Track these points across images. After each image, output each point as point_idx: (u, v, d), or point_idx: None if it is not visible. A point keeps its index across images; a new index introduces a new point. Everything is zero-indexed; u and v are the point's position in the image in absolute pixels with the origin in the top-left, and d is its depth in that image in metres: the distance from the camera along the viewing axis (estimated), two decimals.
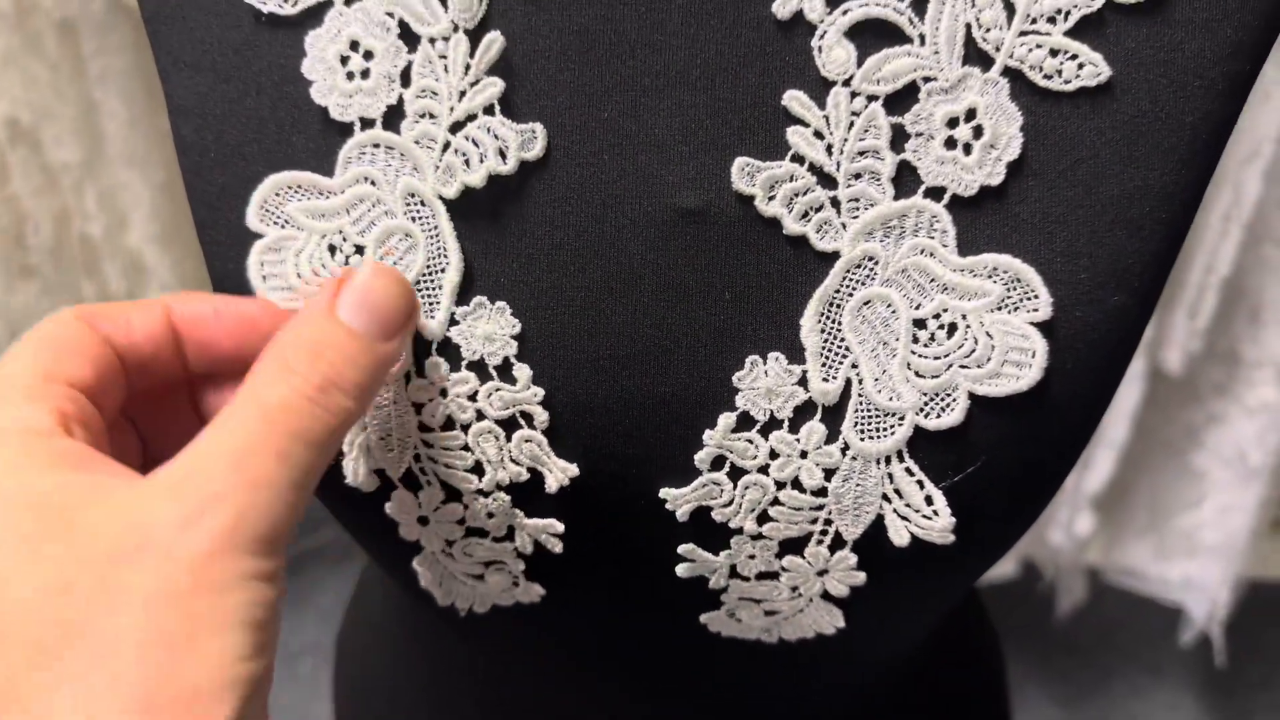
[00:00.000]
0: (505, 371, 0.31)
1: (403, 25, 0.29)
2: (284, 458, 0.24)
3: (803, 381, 0.29)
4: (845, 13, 0.28)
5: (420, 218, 0.30)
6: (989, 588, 1.53)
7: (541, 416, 0.31)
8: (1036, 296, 0.28)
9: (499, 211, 0.30)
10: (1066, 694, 1.63)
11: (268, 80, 0.31)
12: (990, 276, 0.28)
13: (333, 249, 0.31)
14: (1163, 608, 1.61)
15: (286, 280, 0.31)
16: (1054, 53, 0.28)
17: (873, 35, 0.28)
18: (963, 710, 0.49)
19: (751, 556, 0.32)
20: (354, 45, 0.30)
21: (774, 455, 0.30)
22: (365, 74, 0.30)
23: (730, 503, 0.31)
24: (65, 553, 0.22)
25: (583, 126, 0.29)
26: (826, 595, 0.33)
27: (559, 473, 0.31)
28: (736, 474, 0.30)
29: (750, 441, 0.30)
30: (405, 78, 0.30)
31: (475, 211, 0.30)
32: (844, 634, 0.34)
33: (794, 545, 0.31)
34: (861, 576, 0.31)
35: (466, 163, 0.30)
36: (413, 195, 0.30)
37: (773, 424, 0.30)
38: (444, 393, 0.31)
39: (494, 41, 0.29)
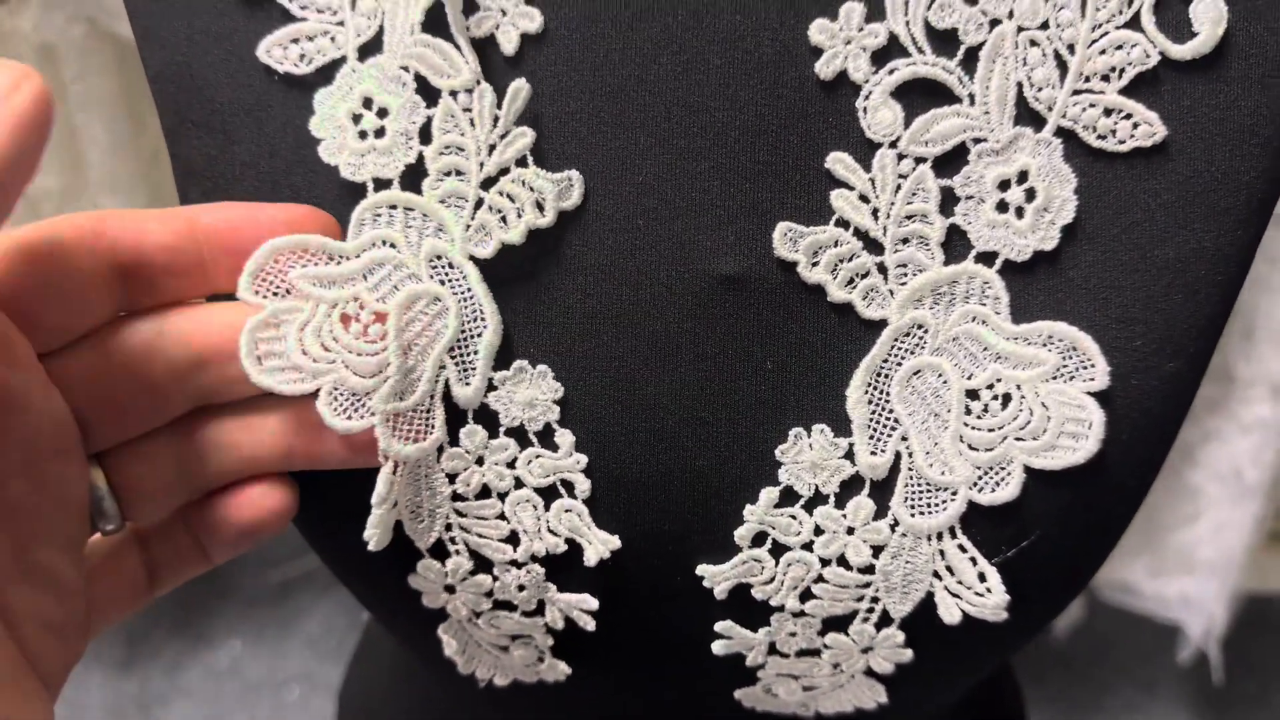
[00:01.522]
0: (546, 438, 0.29)
1: (419, 79, 0.28)
2: None
3: (849, 455, 0.28)
4: (891, 72, 0.27)
5: (450, 280, 0.29)
6: None
7: (583, 485, 0.29)
8: (1093, 365, 0.27)
9: (534, 272, 0.29)
10: (1064, 711, 1.62)
11: (282, 143, 0.29)
12: (1045, 345, 0.27)
13: (346, 318, 0.29)
14: (1159, 625, 1.61)
15: (289, 358, 0.29)
16: (1108, 112, 0.27)
17: (920, 95, 0.27)
18: None
19: (793, 634, 0.30)
20: (367, 102, 0.28)
21: (819, 531, 0.29)
22: (380, 132, 0.28)
23: (771, 580, 0.29)
24: None
25: (618, 190, 0.28)
26: (870, 671, 0.31)
27: (600, 545, 0.29)
28: (779, 550, 0.29)
29: (794, 517, 0.29)
30: (425, 134, 0.28)
31: (508, 274, 0.29)
32: (884, 708, 0.33)
33: (838, 623, 0.30)
34: (908, 654, 0.30)
35: (503, 219, 0.28)
36: (439, 257, 0.28)
37: (818, 499, 0.28)
38: (480, 461, 0.29)
39: (521, 89, 0.28)
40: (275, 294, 0.28)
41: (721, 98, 0.27)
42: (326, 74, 0.29)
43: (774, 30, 0.27)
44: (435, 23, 0.28)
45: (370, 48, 0.28)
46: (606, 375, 0.29)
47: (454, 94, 0.28)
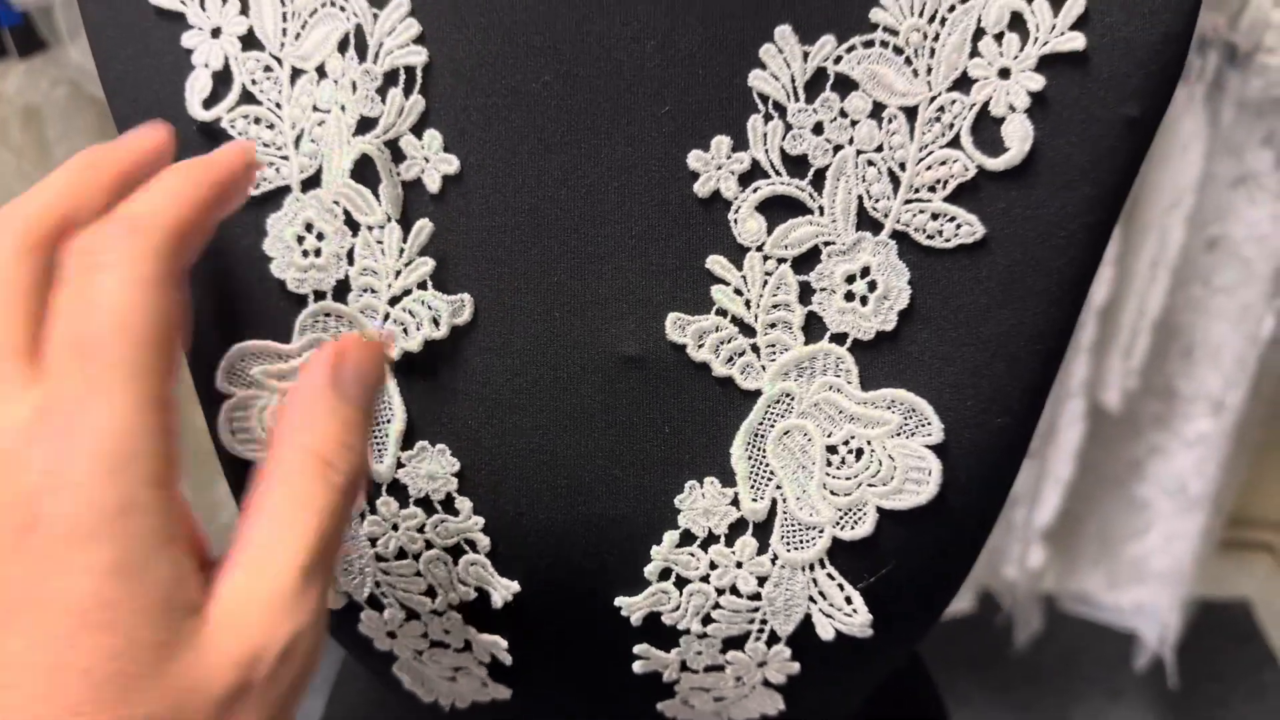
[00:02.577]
0: (449, 505, 0.35)
1: (347, 213, 0.34)
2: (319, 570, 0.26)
3: (735, 502, 0.34)
4: (755, 190, 0.33)
5: None
6: (949, 622, 1.58)
7: (484, 542, 0.35)
8: (929, 424, 0.33)
9: (437, 369, 0.34)
10: None
11: (238, 256, 0.35)
12: (889, 408, 0.33)
13: None
14: (1118, 633, 1.67)
15: (253, 434, 0.35)
16: (935, 216, 0.33)
17: (780, 208, 0.33)
18: None
19: (699, 653, 0.36)
20: (309, 227, 0.34)
21: (714, 566, 0.34)
22: (318, 252, 0.34)
23: (678, 608, 0.35)
24: None
25: (538, 289, 0.34)
26: (767, 682, 0.37)
27: (503, 590, 0.35)
28: (682, 583, 0.35)
29: (692, 555, 0.34)
30: (350, 257, 0.34)
31: (417, 370, 0.35)
32: (785, 715, 0.38)
33: (735, 642, 0.35)
34: (796, 666, 0.36)
35: (406, 331, 0.34)
36: None
37: (711, 539, 0.34)
38: (395, 527, 0.35)
39: (424, 228, 0.34)
40: (244, 385, 0.34)
41: (619, 213, 0.33)
42: (272, 198, 0.34)
43: (659, 159, 0.33)
44: (368, 164, 0.34)
45: (310, 182, 0.34)
46: (530, 440, 0.34)
47: (370, 228, 0.34)
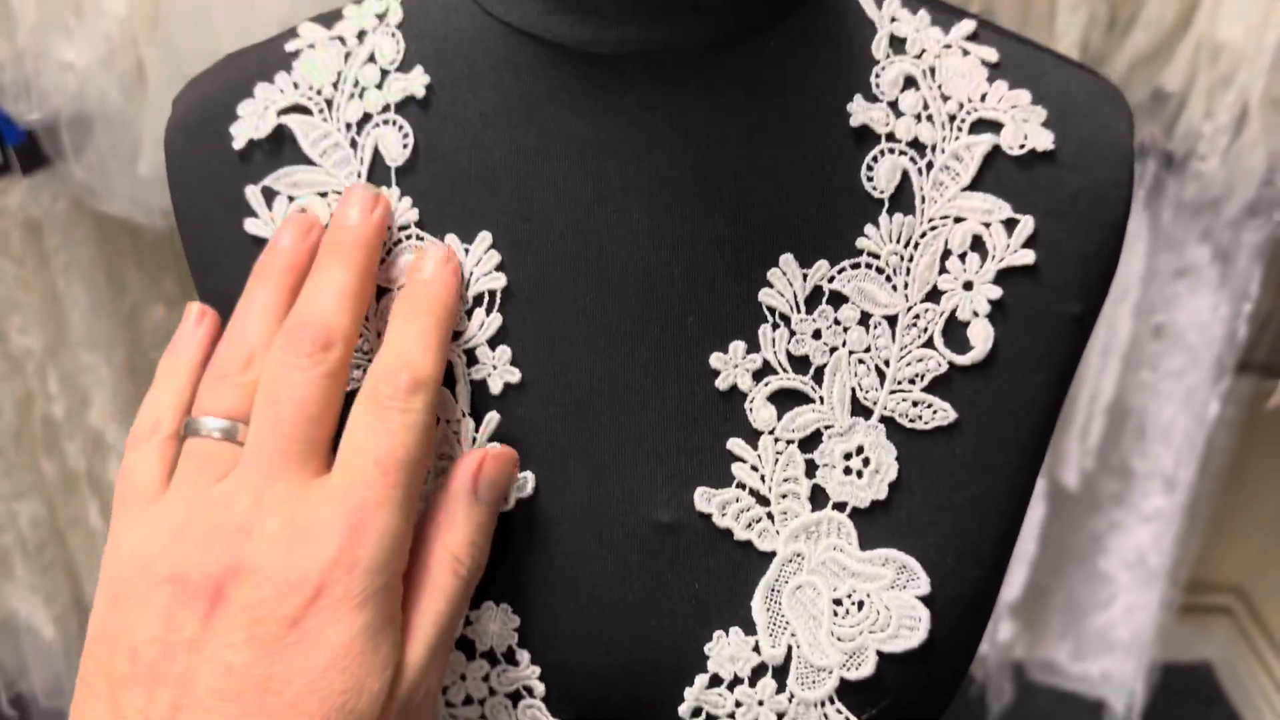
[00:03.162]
0: (510, 657, 0.40)
1: None
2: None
3: (756, 648, 0.40)
4: (766, 384, 0.40)
5: None
6: None
7: (540, 688, 0.40)
8: (919, 578, 0.39)
9: (502, 537, 0.40)
10: None
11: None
12: (885, 565, 0.40)
13: None
14: (1086, 702, 1.72)
15: None
16: (915, 404, 0.40)
17: (787, 399, 0.40)
18: None
19: None
20: None
21: (739, 704, 0.40)
22: None
23: None
24: None
25: (586, 468, 0.40)
26: None
27: None
28: (711, 719, 0.40)
29: (720, 695, 0.40)
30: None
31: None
32: None
33: None
34: None
35: None
36: None
37: (736, 681, 0.40)
38: (463, 677, 0.41)
39: (492, 419, 0.40)
40: None
41: (654, 404, 0.40)
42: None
43: (687, 360, 0.40)
44: (446, 371, 0.40)
45: None
46: (579, 596, 0.40)
47: (449, 422, 0.40)
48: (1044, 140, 0.40)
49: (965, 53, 0.41)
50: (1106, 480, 1.54)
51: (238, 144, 0.41)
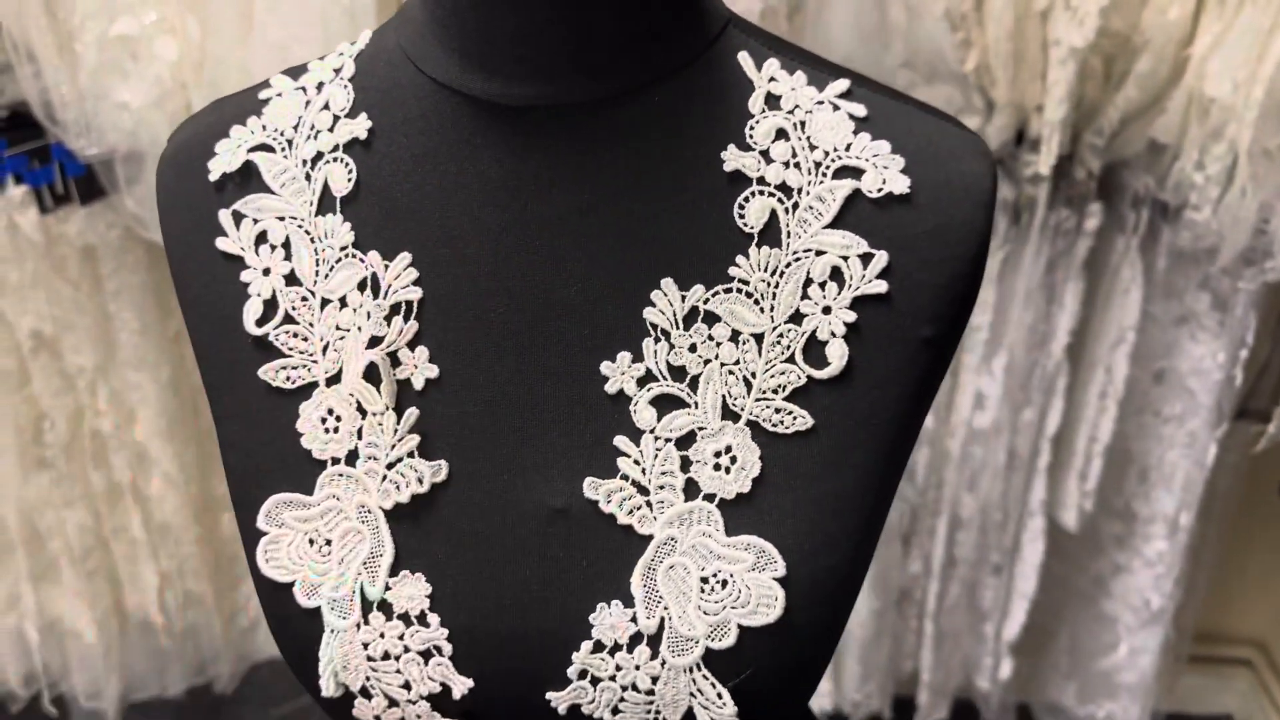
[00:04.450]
0: (423, 619, 0.47)
1: (358, 402, 0.47)
2: None
3: (634, 619, 0.46)
4: (649, 390, 0.46)
5: (367, 521, 0.47)
6: None
7: (447, 648, 0.47)
8: (776, 562, 0.45)
9: (419, 516, 0.47)
10: None
11: (279, 430, 0.48)
12: (746, 549, 0.45)
13: (311, 541, 0.47)
14: None
15: (281, 562, 0.47)
16: (777, 410, 0.46)
17: (666, 403, 0.46)
18: None
19: None
20: (330, 411, 0.47)
21: (618, 668, 0.46)
22: (336, 430, 0.47)
23: (593, 701, 0.46)
24: None
25: (492, 458, 0.47)
26: None
27: (461, 685, 0.47)
28: (595, 681, 0.46)
29: (603, 660, 0.46)
30: (359, 434, 0.47)
31: (404, 517, 0.47)
32: None
33: None
34: None
35: (398, 487, 0.47)
36: (363, 507, 0.47)
37: (616, 647, 0.46)
38: (382, 635, 0.47)
39: (412, 414, 0.47)
40: (276, 525, 0.47)
41: (551, 404, 0.46)
42: (304, 390, 0.47)
43: (580, 366, 0.46)
44: (373, 369, 0.47)
45: (333, 379, 0.47)
46: (483, 571, 0.46)
47: (374, 414, 0.47)
48: (900, 185, 0.46)
49: (835, 108, 0.47)
50: (1109, 523, 1.56)
51: (213, 176, 0.49)
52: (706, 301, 0.46)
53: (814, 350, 0.46)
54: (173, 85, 1.28)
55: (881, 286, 0.45)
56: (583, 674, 0.46)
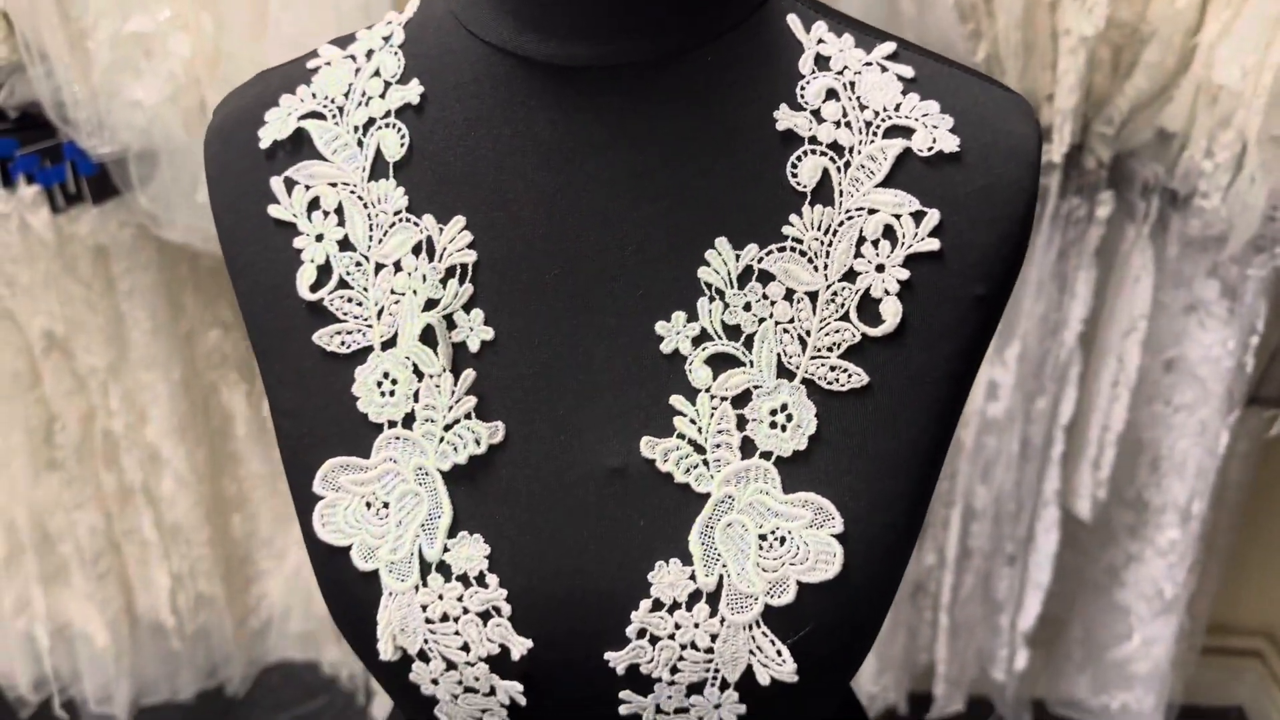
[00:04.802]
0: (481, 580, 0.47)
1: (414, 365, 0.47)
2: None
3: (693, 577, 0.46)
4: (704, 349, 0.46)
5: (424, 484, 0.47)
6: None
7: (506, 609, 0.47)
8: (833, 518, 0.45)
9: (476, 477, 0.47)
10: None
11: (333, 395, 0.48)
12: (804, 506, 0.45)
13: (368, 504, 0.47)
14: None
15: (338, 526, 0.47)
16: (832, 368, 0.46)
17: (721, 362, 0.46)
18: None
19: (669, 697, 0.47)
20: (386, 375, 0.47)
21: (678, 626, 0.46)
22: (393, 393, 0.47)
23: (651, 660, 0.46)
24: None
25: (549, 419, 0.47)
26: None
27: (520, 646, 0.47)
28: (654, 640, 0.46)
29: (661, 618, 0.46)
30: (416, 396, 0.47)
31: (462, 478, 0.47)
32: None
33: (696, 688, 0.47)
34: (743, 708, 0.47)
35: (455, 449, 0.47)
36: (420, 469, 0.47)
37: (675, 606, 0.46)
38: (441, 597, 0.47)
39: (469, 376, 0.47)
40: (333, 489, 0.47)
41: (607, 365, 0.46)
42: (359, 355, 0.48)
43: (636, 327, 0.46)
44: (429, 333, 0.47)
45: (388, 343, 0.47)
46: (541, 531, 0.47)
47: (431, 376, 0.47)
48: (950, 144, 0.46)
49: (884, 69, 0.47)
50: (1122, 513, 1.57)
51: (264, 144, 0.49)
52: (760, 260, 0.46)
53: (868, 308, 0.46)
54: (186, 82, 1.28)
55: (934, 244, 0.46)
56: (641, 633, 0.46)
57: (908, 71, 0.48)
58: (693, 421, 0.46)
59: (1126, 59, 1.27)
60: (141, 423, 1.58)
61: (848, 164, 0.46)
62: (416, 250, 0.47)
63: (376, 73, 0.49)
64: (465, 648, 0.47)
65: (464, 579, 0.47)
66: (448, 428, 0.47)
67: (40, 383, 1.52)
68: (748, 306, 0.46)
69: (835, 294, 0.46)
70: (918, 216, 0.46)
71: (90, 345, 1.52)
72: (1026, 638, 1.59)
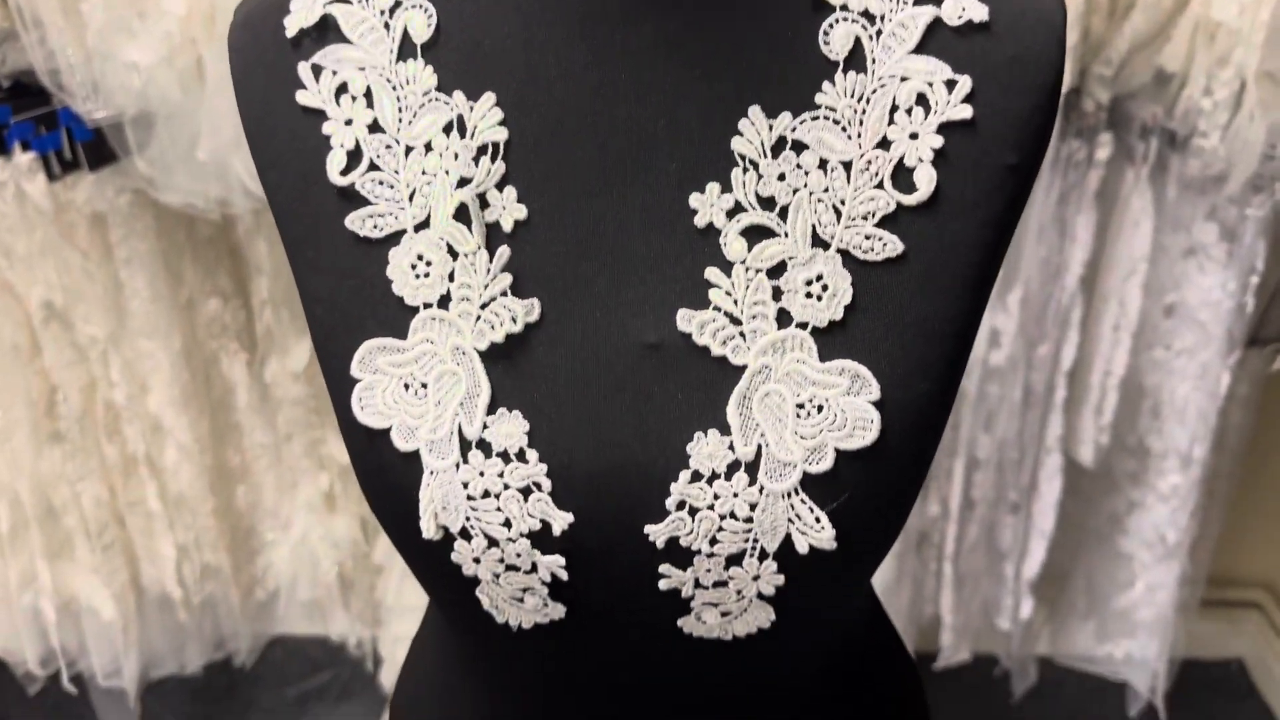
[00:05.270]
0: (521, 456, 0.47)
1: (449, 246, 0.47)
2: None
3: (731, 447, 0.46)
4: (738, 221, 0.46)
5: (462, 363, 0.47)
6: (945, 672, 1.67)
7: (547, 484, 0.47)
8: (870, 385, 0.46)
9: (513, 355, 0.47)
10: None
11: (367, 279, 0.48)
12: (841, 374, 0.46)
13: (406, 386, 0.47)
14: (1111, 684, 1.74)
15: (377, 408, 0.47)
16: (867, 237, 0.46)
17: (756, 234, 0.46)
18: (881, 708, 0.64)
19: (708, 570, 0.47)
20: (420, 257, 0.47)
21: (716, 497, 0.46)
22: (427, 275, 0.47)
23: (691, 532, 0.47)
24: None
25: (584, 296, 0.47)
26: (761, 596, 0.48)
27: (561, 521, 0.47)
28: (693, 512, 0.46)
29: (701, 489, 0.46)
30: (451, 276, 0.47)
31: (499, 356, 0.47)
32: (776, 626, 0.50)
33: (735, 559, 0.47)
34: (781, 578, 0.47)
35: (492, 327, 0.47)
36: (458, 348, 0.47)
37: (714, 476, 0.46)
38: (482, 474, 0.47)
39: (504, 253, 0.47)
40: (371, 371, 0.47)
41: (642, 240, 0.47)
42: (393, 238, 0.48)
43: (670, 201, 0.46)
44: (463, 211, 0.47)
45: (421, 225, 0.47)
46: (579, 407, 0.47)
47: (466, 255, 0.47)
48: (980, 13, 0.46)
49: None
50: (1124, 460, 1.58)
51: (290, 32, 0.49)
52: (794, 130, 0.46)
53: (902, 176, 0.46)
54: (182, 41, 1.27)
55: (967, 112, 0.46)
56: (680, 505, 0.46)
57: None
58: (728, 294, 0.46)
59: (1123, 1, 1.27)
60: (143, 393, 1.58)
61: (879, 32, 0.46)
62: (447, 129, 0.47)
63: None
64: (507, 524, 0.47)
65: (504, 455, 0.47)
66: (484, 306, 0.47)
67: (40, 354, 1.51)
68: (782, 177, 0.46)
69: (869, 162, 0.46)
70: (950, 84, 0.46)
71: (89, 315, 1.51)
72: (1031, 586, 1.60)
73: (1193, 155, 1.32)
